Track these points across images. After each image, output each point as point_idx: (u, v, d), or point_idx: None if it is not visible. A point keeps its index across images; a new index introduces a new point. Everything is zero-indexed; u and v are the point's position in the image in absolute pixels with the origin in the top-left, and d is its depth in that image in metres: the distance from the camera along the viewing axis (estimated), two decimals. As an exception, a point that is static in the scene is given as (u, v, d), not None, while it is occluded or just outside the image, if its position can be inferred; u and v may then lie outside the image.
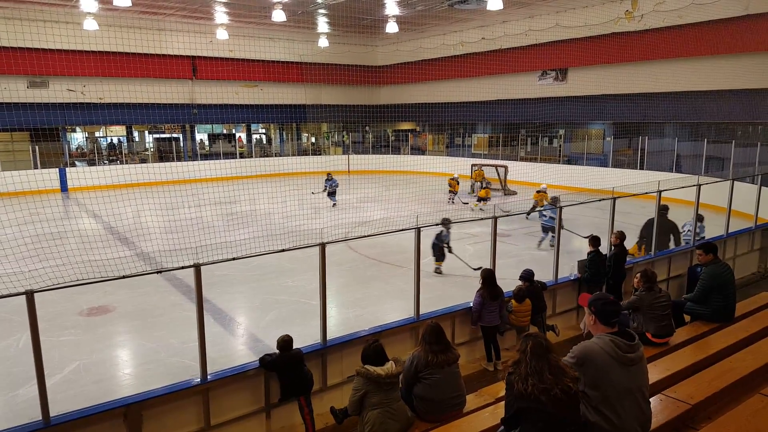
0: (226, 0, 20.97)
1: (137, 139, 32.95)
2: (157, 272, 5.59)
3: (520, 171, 23.54)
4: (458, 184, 21.14)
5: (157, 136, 33.04)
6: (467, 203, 20.03)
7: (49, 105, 23.15)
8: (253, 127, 36.13)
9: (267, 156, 33.18)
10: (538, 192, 16.57)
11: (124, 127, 31.63)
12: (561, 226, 9.42)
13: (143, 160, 29.75)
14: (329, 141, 37.10)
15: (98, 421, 4.83)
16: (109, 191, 18.37)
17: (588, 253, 8.54)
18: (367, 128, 35.81)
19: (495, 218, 7.67)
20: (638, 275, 6.66)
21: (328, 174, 20.77)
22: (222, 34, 25.36)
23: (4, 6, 21.25)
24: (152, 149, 31.99)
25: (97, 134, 32.84)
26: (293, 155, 32.90)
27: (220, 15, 23.53)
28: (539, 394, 3.30)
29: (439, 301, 7.80)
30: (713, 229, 11.73)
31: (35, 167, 24.00)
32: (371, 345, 4.84)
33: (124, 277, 5.25)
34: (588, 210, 15.76)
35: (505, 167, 24.12)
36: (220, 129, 35.44)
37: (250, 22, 25.28)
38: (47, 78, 24.38)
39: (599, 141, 26.61)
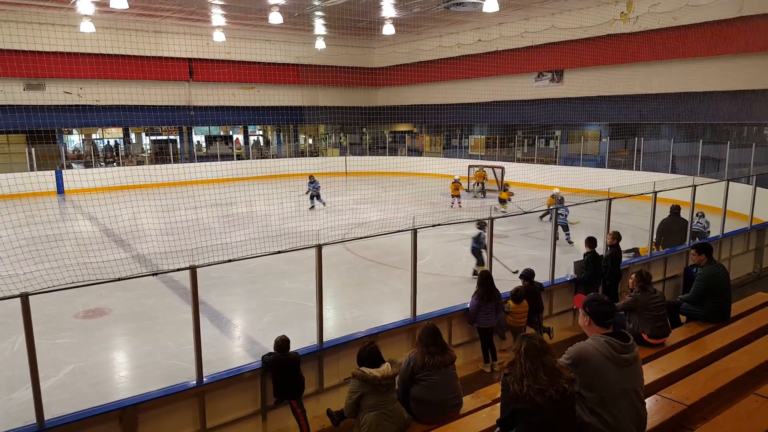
0: (223, 2, 20.96)
1: (134, 141, 32.89)
2: (153, 274, 5.58)
3: (517, 172, 23.59)
4: (461, 185, 20.94)
5: (154, 138, 32.98)
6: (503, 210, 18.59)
7: (45, 107, 23.09)
8: (251, 128, 36.11)
9: (264, 158, 33.18)
10: (552, 197, 16.31)
11: (120, 129, 31.54)
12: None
13: (140, 162, 29.72)
14: (326, 142, 37.10)
15: (93, 424, 4.81)
16: (105, 193, 18.35)
17: (584, 254, 8.56)
18: (364, 130, 35.83)
19: (491, 219, 7.68)
20: (633, 276, 6.68)
21: (311, 176, 20.53)
22: (219, 36, 25.38)
23: (1, 8, 21.22)
24: (149, 151, 31.95)
25: (93, 136, 32.74)
26: (290, 157, 32.89)
27: (217, 17, 23.55)
28: (534, 395, 3.30)
29: (436, 303, 7.79)
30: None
31: (31, 169, 23.93)
32: (367, 347, 4.84)
33: (120, 279, 5.25)
34: (584, 210, 15.83)
35: (502, 168, 24.16)
36: (217, 131, 35.42)
37: (247, 24, 25.30)
38: (44, 80, 24.35)
39: (595, 142, 26.67)
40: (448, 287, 10.72)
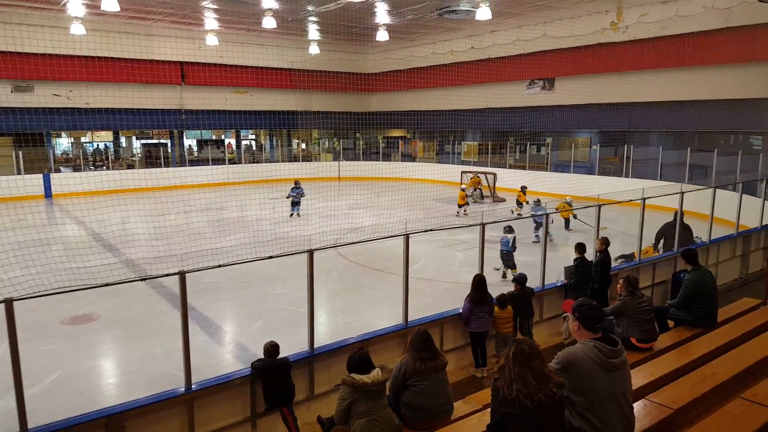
0: (217, 6, 20.94)
1: (124, 144, 32.72)
2: (141, 280, 5.56)
3: (509, 178, 23.71)
4: (467, 195, 20.67)
5: (144, 141, 32.82)
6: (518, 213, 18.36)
7: (33, 110, 22.93)
8: (243, 133, 36.04)
9: (257, 162, 33.10)
10: (566, 203, 16.12)
11: (110, 133, 31.37)
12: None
13: (130, 166, 29.56)
14: (320, 147, 37.08)
15: (79, 431, 4.76)
16: (94, 197, 18.25)
17: (574, 260, 8.62)
18: (357, 135, 35.87)
19: (483, 225, 7.72)
20: (621, 281, 6.75)
21: (296, 181, 19.60)
22: (212, 40, 25.33)
23: (-11, 10, 21.10)
24: (140, 155, 31.78)
25: (83, 140, 32.53)
26: (283, 161, 32.83)
27: (210, 21, 23.49)
28: (524, 399, 3.32)
29: (428, 308, 7.80)
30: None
31: (19, 173, 23.71)
32: (356, 353, 4.84)
33: (108, 284, 5.20)
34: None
35: (494, 174, 24.28)
36: (209, 135, 35.31)
37: (240, 28, 25.27)
38: (32, 82, 24.17)
39: (586, 149, 26.85)
40: (441, 292, 10.74)
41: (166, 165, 29.25)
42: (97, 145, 32.66)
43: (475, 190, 23.89)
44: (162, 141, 32.20)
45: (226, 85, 28.98)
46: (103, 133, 31.70)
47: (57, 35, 20.67)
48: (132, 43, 23.10)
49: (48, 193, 24.38)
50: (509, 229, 11.78)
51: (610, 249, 9.03)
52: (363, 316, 9.77)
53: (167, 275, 5.39)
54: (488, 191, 24.22)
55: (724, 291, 10.23)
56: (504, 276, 11.85)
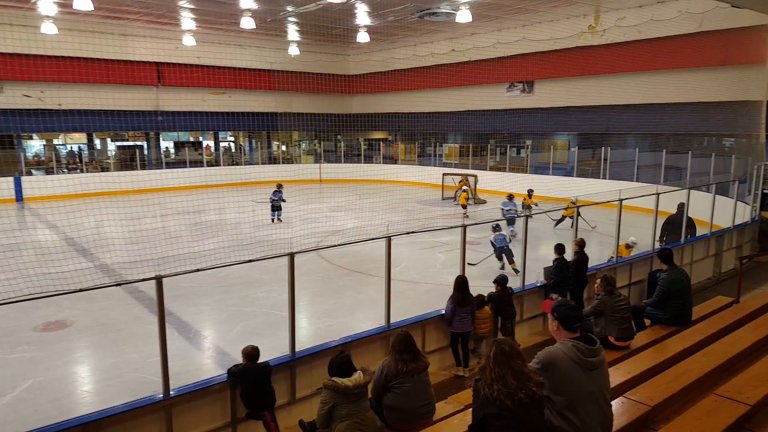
0: (193, 6, 20.71)
1: (99, 146, 32.12)
2: (117, 285, 5.44)
3: (489, 180, 23.86)
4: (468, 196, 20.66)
5: (120, 143, 32.25)
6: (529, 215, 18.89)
7: (3, 111, 22.44)
8: (222, 134, 35.69)
9: (236, 164, 32.80)
10: (569, 207, 16.27)
11: (84, 135, 30.76)
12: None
13: (105, 169, 29.02)
14: (300, 150, 36.91)
15: (52, 441, 4.65)
16: (67, 201, 17.89)
17: (554, 261, 8.70)
18: (338, 137, 35.79)
19: (464, 227, 7.75)
20: (598, 280, 6.83)
21: (278, 185, 19.09)
22: (189, 41, 25.05)
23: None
24: (115, 157, 31.26)
25: (55, 142, 31.86)
26: (263, 164, 32.57)
27: (187, 21, 23.22)
28: (504, 399, 3.33)
29: (410, 310, 7.81)
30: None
31: (-11, 176, 23.18)
32: (338, 356, 4.80)
33: (82, 290, 5.09)
34: (554, 217, 16.04)
35: (475, 176, 24.43)
36: (186, 137, 34.90)
37: (218, 29, 25.03)
38: (2, 83, 23.61)
39: (564, 151, 27.14)
40: (423, 294, 10.75)
41: (143, 167, 28.84)
42: (71, 147, 32.01)
43: (460, 191, 24.03)
44: (138, 143, 31.74)
45: (204, 86, 28.65)
46: (76, 135, 31.06)
47: (27, 34, 20.24)
48: (106, 43, 22.70)
49: (19, 197, 23.86)
50: (497, 227, 12.38)
51: (588, 250, 9.14)
52: (345, 318, 9.72)
53: (144, 280, 5.30)
54: (469, 193, 24.36)
55: (698, 290, 10.43)
56: (516, 272, 11.62)
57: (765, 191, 17.03)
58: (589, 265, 9.17)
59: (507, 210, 15.60)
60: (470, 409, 3.70)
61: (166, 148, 33.24)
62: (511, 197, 16.36)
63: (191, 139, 35.14)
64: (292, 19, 22.74)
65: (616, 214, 10.15)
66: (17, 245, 13.18)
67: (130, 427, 5.06)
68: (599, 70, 22.17)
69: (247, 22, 20.96)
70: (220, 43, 27.05)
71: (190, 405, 5.37)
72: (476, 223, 11.87)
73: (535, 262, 10.40)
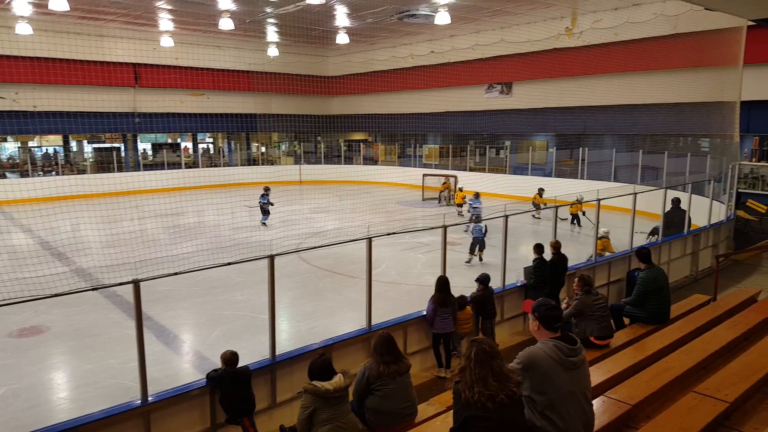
0: (171, 7, 20.47)
1: (75, 149, 31.64)
2: (93, 289, 5.35)
3: (469, 181, 23.96)
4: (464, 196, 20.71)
5: (96, 145, 31.80)
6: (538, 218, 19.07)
7: (-23, 113, 21.93)
8: (200, 136, 35.36)
9: (215, 166, 32.51)
10: (575, 204, 16.35)
11: (60, 137, 30.27)
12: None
13: (81, 171, 28.56)
14: (280, 151, 36.72)
15: (28, 448, 4.56)
16: (43, 204, 17.53)
17: (533, 261, 8.75)
18: (318, 138, 35.68)
19: (445, 227, 7.76)
20: (576, 280, 6.89)
21: (265, 188, 18.70)
22: (166, 42, 24.76)
23: (-71, 9, 20.08)
24: (91, 160, 30.78)
25: (30, 144, 31.32)
26: (242, 165, 32.34)
27: (165, 22, 22.94)
28: (485, 401, 3.32)
29: (391, 311, 7.80)
30: (638, 238, 12.19)
31: (-38, 179, 22.63)
32: (317, 360, 4.76)
33: (57, 295, 5.00)
34: (532, 218, 16.19)
35: (455, 177, 24.53)
36: (164, 138, 34.51)
37: (196, 29, 24.78)
38: (-25, 84, 23.13)
39: (543, 152, 27.40)
40: (404, 295, 10.75)
41: (120, 170, 28.42)
42: (46, 149, 31.49)
43: (448, 192, 24.14)
44: (115, 145, 31.30)
45: (182, 88, 28.34)
46: (52, 137, 30.56)
47: (1, 35, 19.83)
48: (82, 44, 22.31)
49: (-7, 200, 23.32)
50: (478, 219, 13.38)
51: (567, 250, 9.21)
52: (326, 321, 9.68)
53: (121, 284, 5.22)
54: (450, 193, 24.48)
55: (675, 288, 10.58)
56: (481, 260, 13.26)
57: (740, 190, 17.42)
58: (569, 264, 9.23)
59: (474, 207, 16.22)
60: (452, 411, 3.70)
61: (144, 150, 32.85)
62: (477, 195, 16.84)
63: (169, 141, 34.77)
64: (271, 20, 22.60)
65: (592, 213, 10.26)
66: (-10, 250, 12.89)
67: (108, 434, 4.96)
68: (576, 71, 22.43)
69: (226, 23, 20.79)
70: (198, 44, 26.80)
71: (169, 411, 5.30)
72: (457, 224, 11.92)
73: (516, 262, 10.47)
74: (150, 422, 5.18)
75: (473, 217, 15.72)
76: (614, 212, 16.13)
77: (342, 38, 24.17)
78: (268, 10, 20.80)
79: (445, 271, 7.64)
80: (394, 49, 28.78)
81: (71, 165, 29.37)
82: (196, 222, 18.70)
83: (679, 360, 5.51)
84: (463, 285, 8.39)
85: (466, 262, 13.21)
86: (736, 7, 8.61)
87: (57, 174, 27.07)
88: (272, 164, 34.17)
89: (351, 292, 11.08)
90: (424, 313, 7.38)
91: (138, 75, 27.21)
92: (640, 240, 12.12)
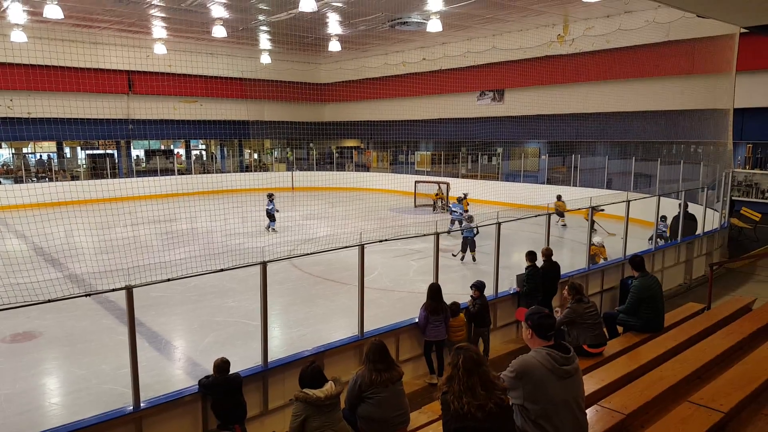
0: (165, 15, 20.49)
1: (69, 155, 31.54)
2: (86, 295, 5.33)
3: (461, 188, 24.00)
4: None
5: (90, 152, 31.72)
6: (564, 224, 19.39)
7: (-30, 120, 21.81)
8: (193, 143, 35.32)
9: (208, 172, 32.48)
10: (594, 208, 16.46)
11: (54, 143, 30.22)
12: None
13: (75, 178, 28.43)
14: (272, 158, 36.71)
15: (20, 456, 4.52)
16: (37, 210, 17.44)
17: (526, 268, 8.76)
18: (311, 145, 35.70)
19: (437, 234, 7.77)
20: (566, 288, 6.89)
21: (269, 194, 19.25)
22: (160, 49, 24.76)
23: None
24: (85, 166, 30.69)
25: (24, 150, 31.19)
26: (235, 172, 32.31)
27: (158, 30, 22.95)
28: (475, 411, 3.30)
29: (384, 318, 7.79)
30: (641, 243, 12.29)
31: (-45, 185, 22.48)
32: (308, 367, 4.75)
33: (50, 300, 4.99)
34: (525, 225, 16.20)
35: (447, 184, 24.57)
36: (157, 145, 34.43)
37: (189, 37, 24.80)
38: (-30, 92, 23.03)
39: (535, 159, 27.51)
40: (396, 302, 10.73)
41: (113, 176, 28.34)
42: (40, 156, 31.36)
43: (441, 201, 24.16)
44: (108, 151, 31.23)
45: (175, 95, 28.31)
46: (46, 143, 30.45)
47: (-5, 42, 19.79)
48: (77, 52, 22.28)
49: (-14, 206, 23.16)
50: (470, 219, 14.14)
51: (559, 258, 9.23)
52: (318, 327, 9.65)
53: (114, 290, 5.20)
54: (441, 200, 24.51)
55: (669, 296, 10.60)
56: (474, 260, 14.04)
57: (733, 198, 17.50)
58: (562, 272, 9.24)
59: (453, 212, 17.40)
60: (442, 421, 3.68)
61: (137, 156, 32.79)
62: (460, 200, 17.70)
63: (162, 148, 34.69)
64: (264, 28, 22.66)
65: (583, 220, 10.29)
66: (-19, 256, 12.79)
67: (99, 441, 4.93)
68: (568, 78, 22.56)
69: (219, 31, 20.84)
70: (191, 51, 26.82)
71: (161, 417, 5.28)
72: (449, 231, 11.93)
73: (508, 270, 10.48)
74: (142, 428, 5.16)
75: (453, 222, 16.90)
76: (607, 219, 16.22)
77: (334, 46, 24.25)
78: (261, 17, 20.85)
79: (438, 279, 7.64)
80: (386, 57, 28.88)
81: (65, 171, 29.28)
82: (189, 228, 18.63)
83: (673, 369, 5.49)
84: (456, 292, 8.39)
85: (453, 255, 14.07)
86: (729, 14, 8.68)
87: (51, 180, 26.96)
88: (265, 171, 34.16)
89: (343, 298, 11.05)
90: (417, 320, 7.37)
91: (131, 82, 27.19)
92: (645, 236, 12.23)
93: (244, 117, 30.11)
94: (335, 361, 6.53)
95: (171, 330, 9.75)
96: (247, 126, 30.93)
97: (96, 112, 25.39)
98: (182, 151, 34.77)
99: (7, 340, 9.06)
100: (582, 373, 4.01)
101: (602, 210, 15.91)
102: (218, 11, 19.66)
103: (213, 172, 32.38)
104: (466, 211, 20.57)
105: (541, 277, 8.67)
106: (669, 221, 13.08)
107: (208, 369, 5.98)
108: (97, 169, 29.27)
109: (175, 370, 8.17)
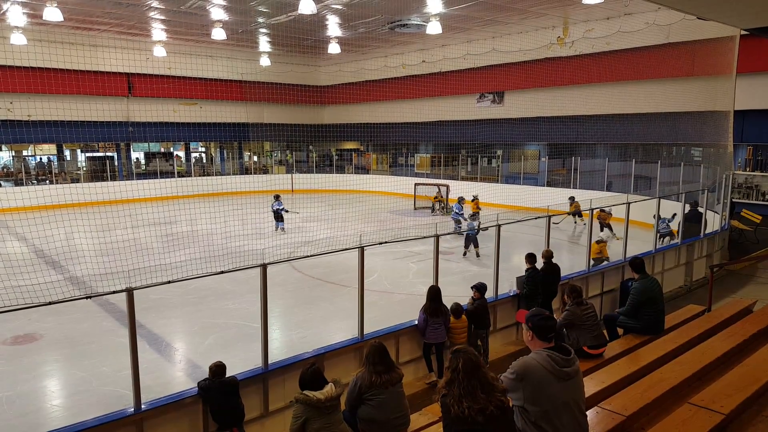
0: (164, 17, 20.52)
1: (69, 158, 31.56)
2: (87, 297, 5.33)
3: (461, 190, 24.01)
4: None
5: (90, 154, 31.74)
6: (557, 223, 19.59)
7: (-30, 122, 21.84)
8: (193, 145, 35.33)
9: (207, 175, 32.49)
10: (602, 211, 16.34)
11: (54, 146, 30.25)
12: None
13: (75, 180, 28.47)
14: (272, 160, 36.73)
15: (20, 458, 4.52)
16: (37, 212, 17.44)
17: (526, 270, 8.76)
18: (310, 147, 35.72)
19: (437, 236, 7.77)
20: (566, 290, 6.89)
21: (276, 195, 19.51)
22: (159, 51, 24.78)
23: None
24: (85, 168, 30.71)
25: (24, 153, 31.22)
26: (235, 174, 32.34)
27: (158, 32, 22.98)
28: (476, 415, 3.30)
29: (383, 320, 7.78)
30: (641, 245, 12.28)
31: (-45, 187, 22.49)
32: (308, 369, 4.75)
33: (51, 303, 4.99)
34: (525, 227, 16.18)
35: (447, 186, 24.57)
36: (157, 147, 34.45)
37: (189, 39, 24.84)
38: (-30, 94, 23.04)
39: (535, 161, 27.51)
40: (396, 304, 10.72)
41: (113, 178, 28.36)
42: (40, 158, 31.40)
43: (440, 203, 24.17)
44: (108, 154, 31.25)
45: (175, 97, 28.37)
46: (45, 146, 30.49)
47: (-5, 45, 19.83)
48: (76, 54, 22.28)
49: (-14, 209, 23.16)
50: (474, 216, 15.06)
51: (559, 260, 9.23)
52: (318, 330, 9.65)
53: (114, 292, 5.21)
54: (442, 203, 24.51)
55: (670, 298, 10.60)
56: (478, 255, 14.71)
57: (734, 200, 17.49)
58: (562, 274, 9.24)
59: (455, 213, 17.74)
60: (442, 424, 3.68)
61: (137, 158, 32.80)
62: (460, 200, 18.01)
63: (162, 150, 34.71)
64: (264, 30, 22.68)
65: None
66: (-18, 258, 12.79)
67: (100, 443, 4.93)
68: (568, 80, 22.58)
69: (218, 33, 20.86)
70: (191, 53, 26.84)
71: (162, 419, 5.28)
72: (450, 233, 11.93)
73: (508, 272, 10.48)
74: (143, 430, 5.16)
75: (457, 222, 17.28)
76: (613, 222, 16.21)
77: (334, 48, 24.29)
78: (261, 20, 20.87)
79: (438, 281, 7.64)
80: (386, 59, 28.90)
81: (65, 174, 29.31)
82: (189, 231, 18.63)
83: (673, 371, 5.49)
84: (456, 294, 8.39)
85: (464, 255, 14.87)
86: (729, 16, 8.68)
87: (51, 182, 27.00)
88: (264, 173, 34.20)
89: (343, 301, 11.05)
90: (416, 323, 7.36)
91: (131, 85, 27.22)
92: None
93: (243, 119, 30.14)
94: (335, 363, 6.52)
95: (171, 332, 9.75)
96: (247, 128, 30.97)
97: (96, 114, 25.40)
98: (182, 154, 34.78)
99: (9, 343, 9.06)
100: (582, 374, 4.00)
101: (609, 213, 15.94)
102: (218, 14, 19.70)
103: (213, 175, 32.39)
104: (476, 212, 20.68)
105: (541, 279, 8.67)
106: (680, 218, 13.04)
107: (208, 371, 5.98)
108: (96, 171, 29.32)
109: (176, 372, 8.17)
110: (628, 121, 21.80)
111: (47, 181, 27.73)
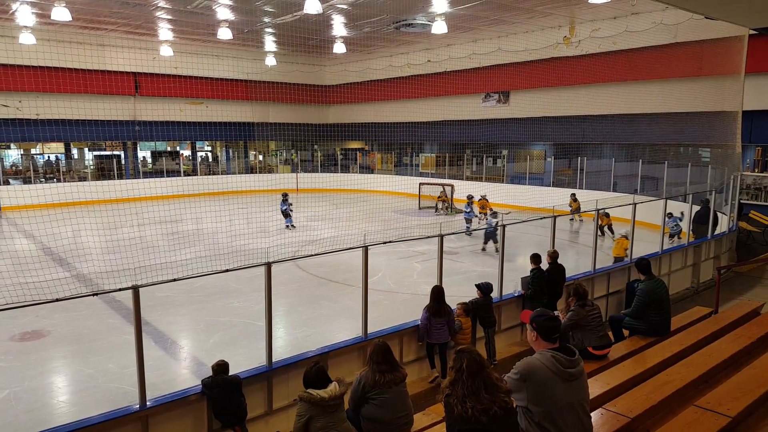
0: (171, 17, 20.59)
1: (76, 156, 31.76)
2: (94, 294, 5.37)
3: (466, 190, 23.99)
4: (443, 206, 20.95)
5: (97, 153, 31.94)
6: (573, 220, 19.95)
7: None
8: (199, 144, 35.44)
9: (213, 174, 32.60)
10: (604, 215, 16.46)
11: (62, 144, 30.43)
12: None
13: (82, 178, 28.62)
14: (277, 159, 36.80)
15: (26, 453, 4.56)
16: (45, 210, 17.55)
17: (531, 271, 8.73)
18: (315, 147, 35.77)
19: (441, 236, 7.77)
20: (571, 291, 6.86)
21: (284, 194, 19.83)
22: (166, 51, 24.88)
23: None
24: (92, 167, 30.87)
25: (33, 151, 31.41)
26: (240, 173, 32.42)
27: (164, 32, 23.08)
28: (479, 415, 3.29)
29: (387, 320, 7.78)
30: (648, 246, 12.23)
31: (-35, 185, 22.66)
32: (312, 368, 4.75)
33: (58, 300, 5.03)
34: (530, 228, 16.17)
35: (452, 186, 24.54)
36: (163, 146, 34.59)
37: (195, 39, 24.92)
38: (-21, 93, 23.21)
39: (541, 161, 27.44)
40: (400, 304, 10.72)
41: (120, 177, 28.49)
42: (48, 156, 31.58)
43: (444, 203, 24.14)
44: (115, 152, 31.41)
45: (181, 96, 28.50)
46: (53, 144, 30.67)
47: (5, 44, 19.96)
48: (84, 54, 22.46)
49: (-4, 207, 23.34)
50: (494, 214, 15.44)
51: (565, 261, 9.20)
52: (322, 328, 9.66)
53: (120, 290, 5.23)
54: (448, 202, 24.49)
55: (676, 300, 10.55)
56: (497, 251, 13.97)
57: (742, 201, 17.37)
58: (567, 274, 9.20)
59: (465, 212, 18.26)
60: (445, 424, 3.67)
61: (144, 157, 32.93)
62: (470, 200, 18.51)
63: (168, 149, 34.85)
64: (269, 30, 22.71)
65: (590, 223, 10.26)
66: (-9, 255, 12.88)
67: (106, 439, 4.96)
68: (574, 80, 22.48)
69: (224, 33, 20.91)
70: (197, 53, 26.93)
71: (167, 416, 5.31)
72: (454, 233, 11.92)
73: (513, 273, 10.45)
74: (148, 426, 5.18)
75: (469, 221, 17.52)
76: (613, 222, 16.15)
77: (339, 47, 24.29)
78: (266, 20, 20.91)
79: (441, 281, 7.64)
80: (391, 59, 28.89)
81: (72, 172, 29.49)
82: (195, 229, 18.70)
83: (679, 373, 5.44)
84: (460, 294, 8.38)
85: (482, 250, 15.34)
86: (737, 15, 8.62)
87: (58, 181, 27.20)
88: (270, 172, 34.28)
89: (347, 300, 11.06)
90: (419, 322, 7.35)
91: (138, 84, 27.33)
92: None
93: (249, 119, 30.19)
94: (339, 361, 6.53)
95: (177, 330, 9.79)
96: (253, 128, 31.04)
97: (103, 113, 25.50)
98: (188, 153, 34.91)
99: (16, 339, 9.13)
100: (587, 376, 3.99)
101: (606, 215, 15.88)
102: (224, 13, 19.75)
103: (218, 174, 32.50)
104: (488, 212, 20.63)
105: (546, 279, 8.65)
106: (688, 217, 13.05)
107: (214, 369, 6.00)
108: (104, 169, 29.46)
109: (181, 370, 8.21)
110: (635, 121, 21.70)
111: (55, 180, 27.91)
